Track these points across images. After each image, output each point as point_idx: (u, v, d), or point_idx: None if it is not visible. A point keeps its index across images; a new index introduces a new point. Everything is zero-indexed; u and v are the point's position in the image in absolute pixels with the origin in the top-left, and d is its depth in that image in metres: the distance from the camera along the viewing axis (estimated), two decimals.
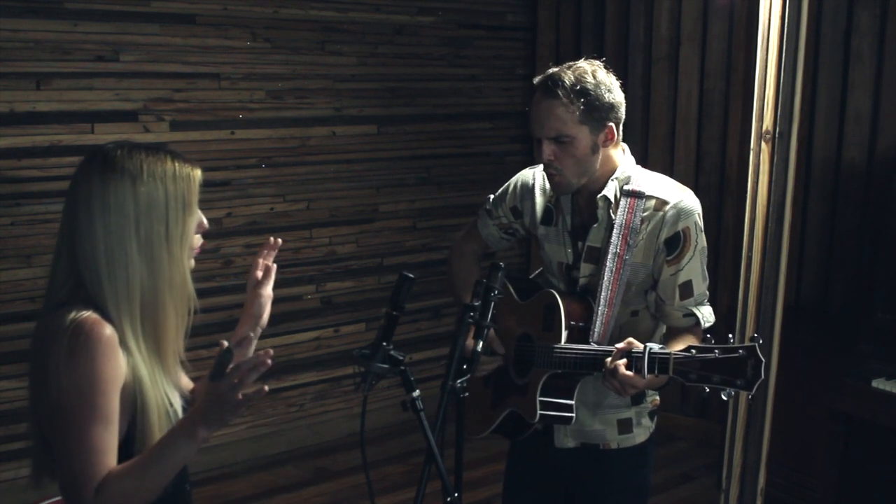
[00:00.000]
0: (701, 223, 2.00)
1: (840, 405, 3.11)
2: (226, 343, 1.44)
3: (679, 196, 1.99)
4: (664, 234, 1.97)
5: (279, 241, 1.80)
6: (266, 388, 1.44)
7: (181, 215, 1.53)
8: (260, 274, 1.77)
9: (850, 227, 3.77)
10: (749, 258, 2.79)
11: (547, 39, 4.74)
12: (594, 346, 1.94)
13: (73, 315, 1.44)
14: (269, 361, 1.41)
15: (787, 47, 2.62)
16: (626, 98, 2.01)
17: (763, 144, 2.71)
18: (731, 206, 4.16)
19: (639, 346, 1.81)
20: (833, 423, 3.15)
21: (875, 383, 2.99)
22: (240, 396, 1.40)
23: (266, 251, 1.78)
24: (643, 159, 4.32)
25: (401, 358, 1.75)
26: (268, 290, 1.77)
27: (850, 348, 3.20)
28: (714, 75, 4.23)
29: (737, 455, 2.86)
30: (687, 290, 1.99)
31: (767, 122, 2.69)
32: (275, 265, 1.80)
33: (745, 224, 2.78)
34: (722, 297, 4.13)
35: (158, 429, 1.51)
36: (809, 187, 3.89)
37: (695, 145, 4.33)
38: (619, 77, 2.02)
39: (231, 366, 1.41)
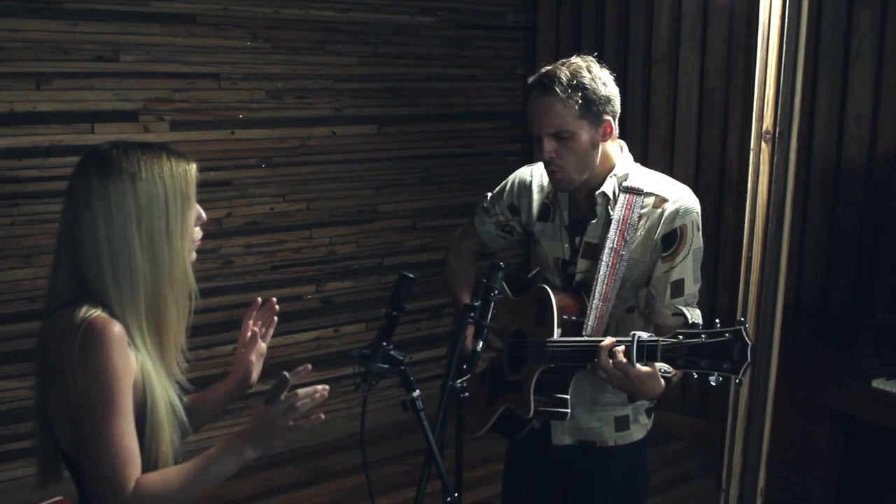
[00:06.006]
0: (699, 222, 1.99)
1: (840, 405, 3.10)
2: (286, 373, 1.52)
3: (679, 194, 1.99)
4: (661, 231, 1.97)
5: (270, 301, 1.81)
6: (322, 416, 1.52)
7: (181, 209, 1.54)
8: (248, 335, 1.79)
9: (850, 227, 3.77)
10: (749, 258, 2.78)
11: (547, 39, 4.74)
12: (586, 339, 1.93)
13: (82, 314, 1.44)
14: (326, 394, 1.54)
15: (787, 47, 2.62)
16: (626, 98, 2.01)
17: (763, 144, 2.70)
18: (731, 206, 4.16)
19: (627, 337, 1.81)
20: (833, 423, 3.15)
21: (875, 383, 2.99)
22: (291, 423, 1.51)
23: (254, 312, 1.81)
24: (643, 159, 4.33)
25: (401, 358, 1.75)
26: (251, 356, 1.79)
27: (850, 348, 3.19)
28: (714, 75, 4.23)
29: (737, 455, 2.86)
30: (678, 288, 1.98)
31: (767, 122, 2.69)
32: (271, 325, 1.83)
33: (745, 224, 2.78)
34: (722, 297, 4.13)
35: (167, 423, 1.53)
36: (809, 187, 3.89)
37: (695, 145, 4.32)
38: (618, 76, 2.02)
39: (285, 393, 1.50)
